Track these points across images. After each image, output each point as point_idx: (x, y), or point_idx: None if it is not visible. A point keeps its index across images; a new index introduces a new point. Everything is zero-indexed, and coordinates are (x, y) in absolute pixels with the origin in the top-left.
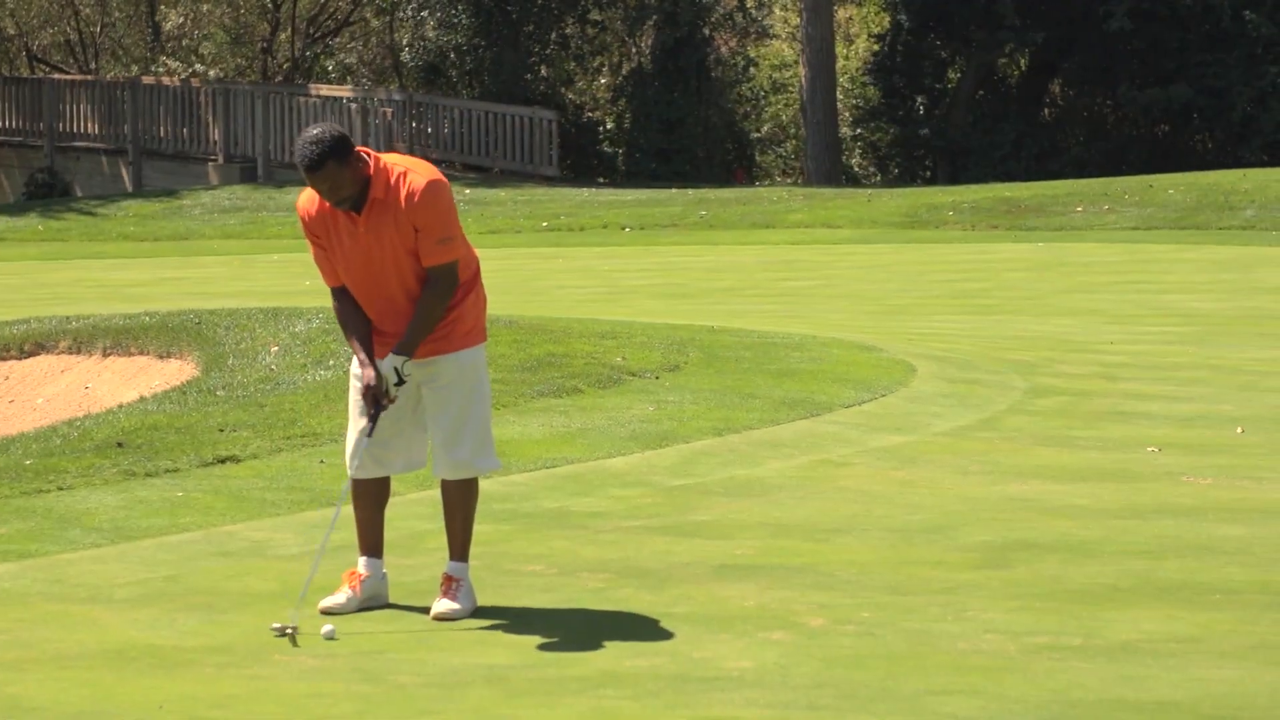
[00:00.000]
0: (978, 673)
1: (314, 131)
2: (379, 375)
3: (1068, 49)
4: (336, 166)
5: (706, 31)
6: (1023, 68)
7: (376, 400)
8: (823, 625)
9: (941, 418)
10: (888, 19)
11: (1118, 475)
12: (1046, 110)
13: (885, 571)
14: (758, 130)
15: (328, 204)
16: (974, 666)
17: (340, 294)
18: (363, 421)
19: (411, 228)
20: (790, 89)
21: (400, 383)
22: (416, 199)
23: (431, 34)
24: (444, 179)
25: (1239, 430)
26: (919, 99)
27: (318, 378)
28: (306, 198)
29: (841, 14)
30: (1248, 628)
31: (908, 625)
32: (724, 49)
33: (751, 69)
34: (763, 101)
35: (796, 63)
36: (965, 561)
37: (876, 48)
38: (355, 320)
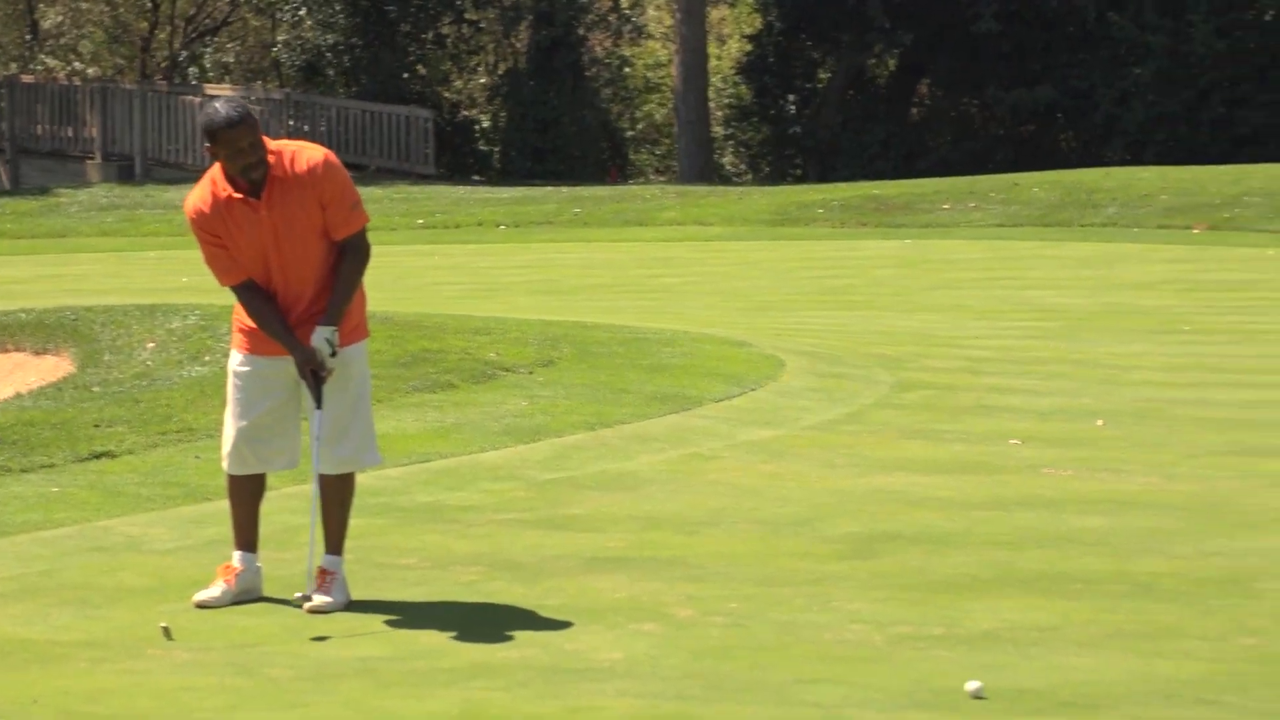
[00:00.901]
0: (843, 662)
1: (223, 101)
2: (313, 350)
3: (936, 50)
4: (255, 126)
5: (581, 32)
6: (891, 68)
7: (316, 375)
8: (692, 616)
9: (809, 412)
10: (759, 20)
11: (981, 468)
12: (915, 110)
13: (753, 563)
14: (632, 129)
15: (222, 195)
16: (839, 656)
17: (244, 289)
18: (243, 421)
19: (317, 204)
20: (664, 88)
21: (334, 353)
22: (320, 172)
23: (309, 33)
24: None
25: (1099, 423)
26: (790, 99)
27: (193, 374)
28: (197, 196)
29: (714, 15)
30: (1105, 616)
31: (775, 616)
32: (599, 49)
33: (626, 69)
34: (636, 101)
35: (670, 62)
36: (832, 553)
37: (748, 48)
38: (268, 308)
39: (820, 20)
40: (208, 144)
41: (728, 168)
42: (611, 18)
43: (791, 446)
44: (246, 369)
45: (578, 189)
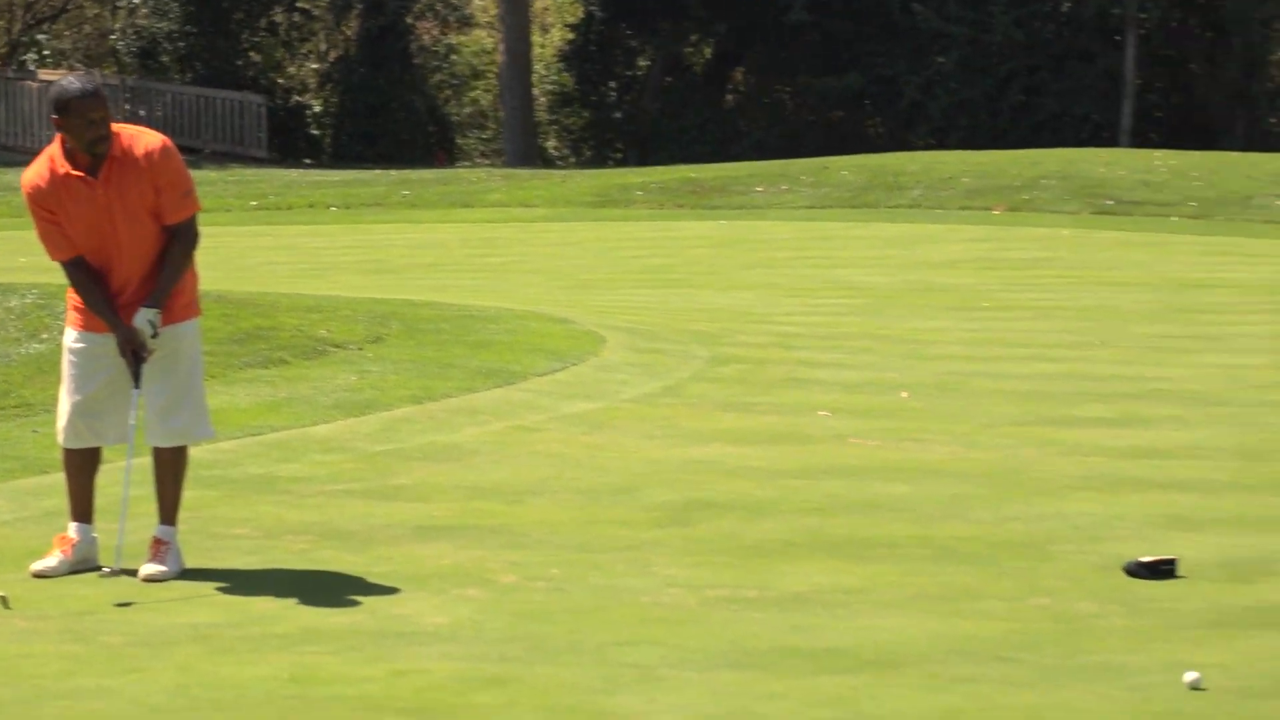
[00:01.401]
0: (660, 624)
1: (75, 75)
2: (134, 330)
3: (750, 39)
4: (105, 100)
5: (410, 20)
6: (708, 57)
7: (136, 354)
8: (515, 582)
9: (629, 385)
10: (581, 9)
11: (791, 438)
12: (730, 97)
13: (574, 530)
14: (459, 114)
15: (60, 172)
16: (656, 618)
17: (74, 265)
18: (77, 396)
19: (152, 188)
20: (489, 75)
21: (155, 334)
22: (156, 157)
23: (145, 21)
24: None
25: (903, 395)
26: (610, 85)
27: (31, 351)
28: (34, 172)
29: (538, 4)
30: (909, 579)
31: (595, 581)
32: (426, 37)
33: (453, 56)
34: (463, 87)
35: (495, 50)
36: (649, 520)
37: (571, 36)
38: (94, 286)
39: (639, 10)
40: (57, 116)
41: (551, 151)
42: (439, 6)
43: (611, 419)
44: (81, 345)
45: (406, 172)
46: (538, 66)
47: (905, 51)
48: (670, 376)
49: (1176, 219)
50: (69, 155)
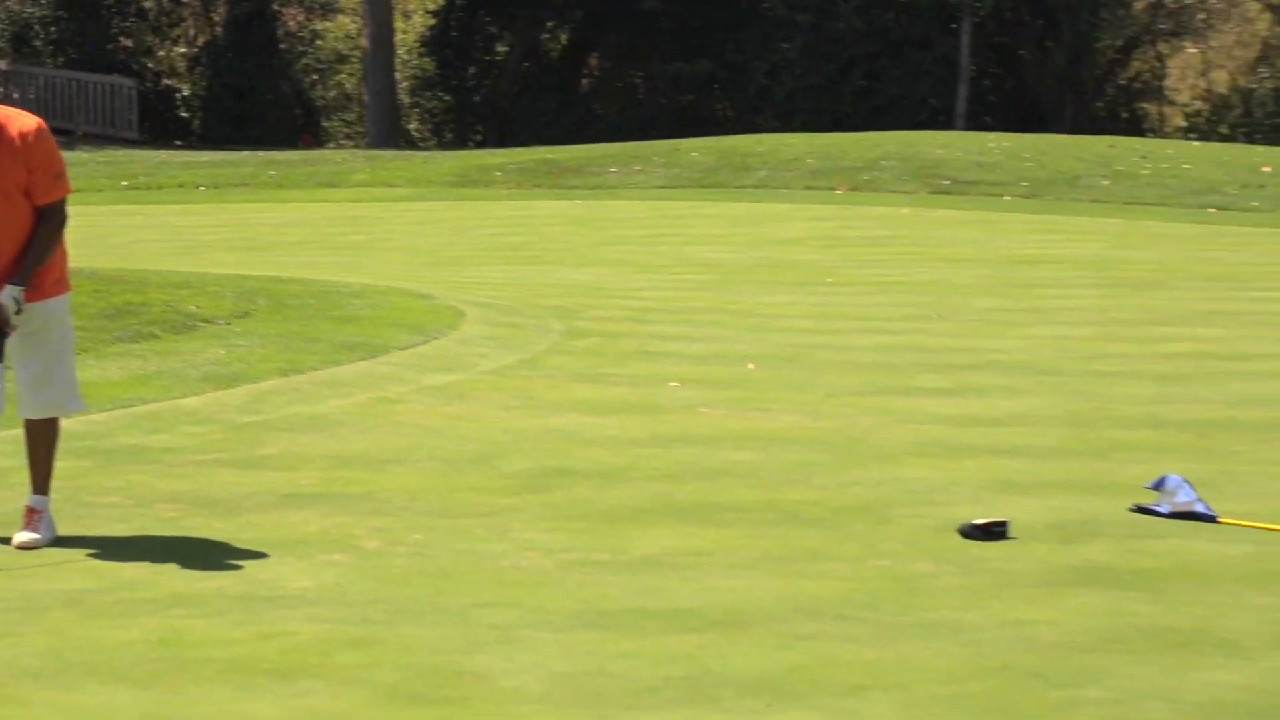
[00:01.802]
0: (518, 586)
1: None
2: (1, 306)
3: (604, 26)
4: None
5: (276, 6)
6: (564, 43)
7: (1, 330)
8: (378, 547)
9: (488, 358)
10: None
11: (643, 408)
12: (585, 81)
13: (436, 497)
14: (324, 98)
15: None
16: (515, 581)
17: None
18: None
19: (24, 169)
20: (353, 60)
21: (19, 311)
22: (31, 138)
23: (17, 6)
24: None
25: (750, 367)
26: (470, 70)
27: None
28: None
29: None
30: (755, 542)
31: (455, 545)
32: (292, 23)
33: (318, 41)
34: (328, 71)
35: (359, 36)
36: (508, 487)
37: (432, 22)
38: None
39: None
40: None
41: (413, 133)
42: None
43: (471, 390)
44: None
45: (273, 153)
46: (400, 52)
47: (753, 38)
48: (527, 349)
49: (1009, 198)
50: None
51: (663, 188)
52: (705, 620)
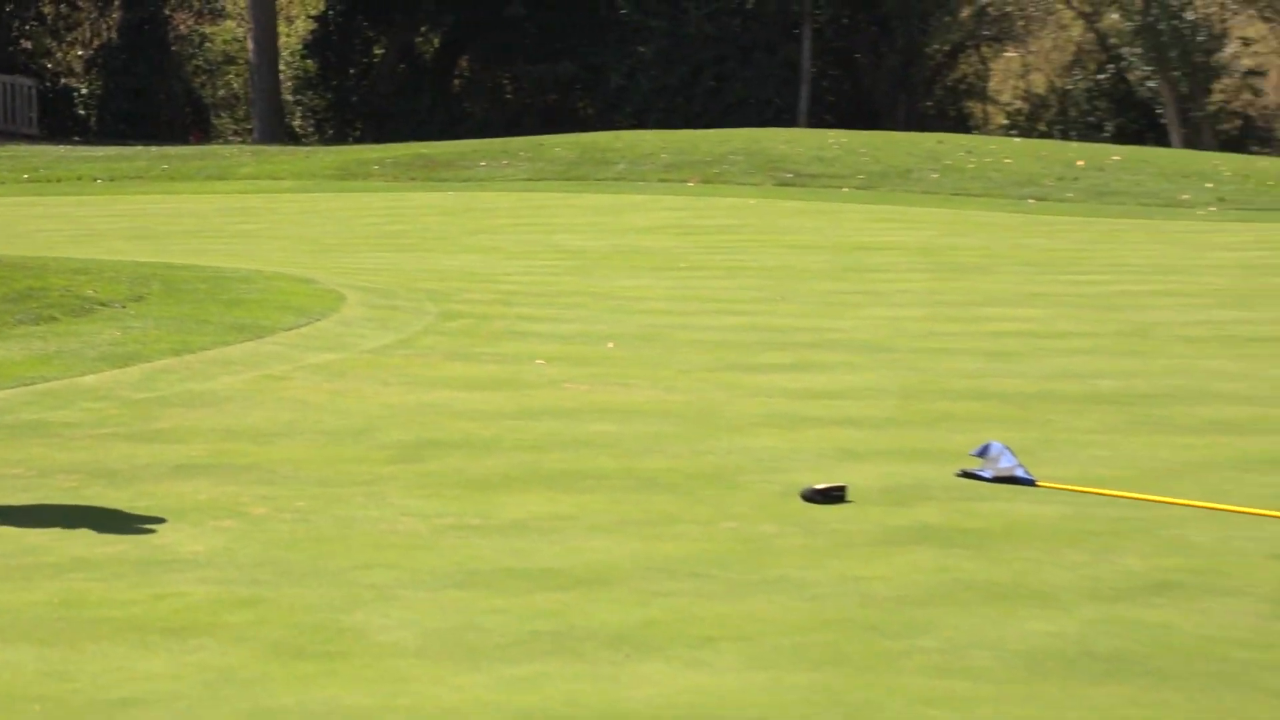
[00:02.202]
0: (395, 549)
1: None
2: None
3: (473, 31)
4: None
5: (167, 11)
6: (436, 46)
7: None
8: (265, 514)
9: (367, 338)
10: (323, 2)
11: (511, 384)
12: (456, 81)
13: (318, 467)
14: (213, 97)
15: None
16: (392, 544)
17: None
18: None
19: None
20: (240, 61)
21: None
22: None
23: None
24: None
25: (610, 345)
26: (350, 71)
27: None
28: None
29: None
30: (615, 506)
31: (337, 512)
32: (183, 27)
33: (206, 44)
34: (217, 72)
35: (245, 39)
36: (385, 457)
37: (314, 27)
38: None
39: (374, 3)
40: None
41: (297, 130)
42: (194, 0)
43: (351, 368)
44: None
45: (166, 148)
46: (284, 54)
47: (611, 42)
48: (404, 330)
49: (847, 190)
50: None
51: (528, 180)
52: (569, 579)
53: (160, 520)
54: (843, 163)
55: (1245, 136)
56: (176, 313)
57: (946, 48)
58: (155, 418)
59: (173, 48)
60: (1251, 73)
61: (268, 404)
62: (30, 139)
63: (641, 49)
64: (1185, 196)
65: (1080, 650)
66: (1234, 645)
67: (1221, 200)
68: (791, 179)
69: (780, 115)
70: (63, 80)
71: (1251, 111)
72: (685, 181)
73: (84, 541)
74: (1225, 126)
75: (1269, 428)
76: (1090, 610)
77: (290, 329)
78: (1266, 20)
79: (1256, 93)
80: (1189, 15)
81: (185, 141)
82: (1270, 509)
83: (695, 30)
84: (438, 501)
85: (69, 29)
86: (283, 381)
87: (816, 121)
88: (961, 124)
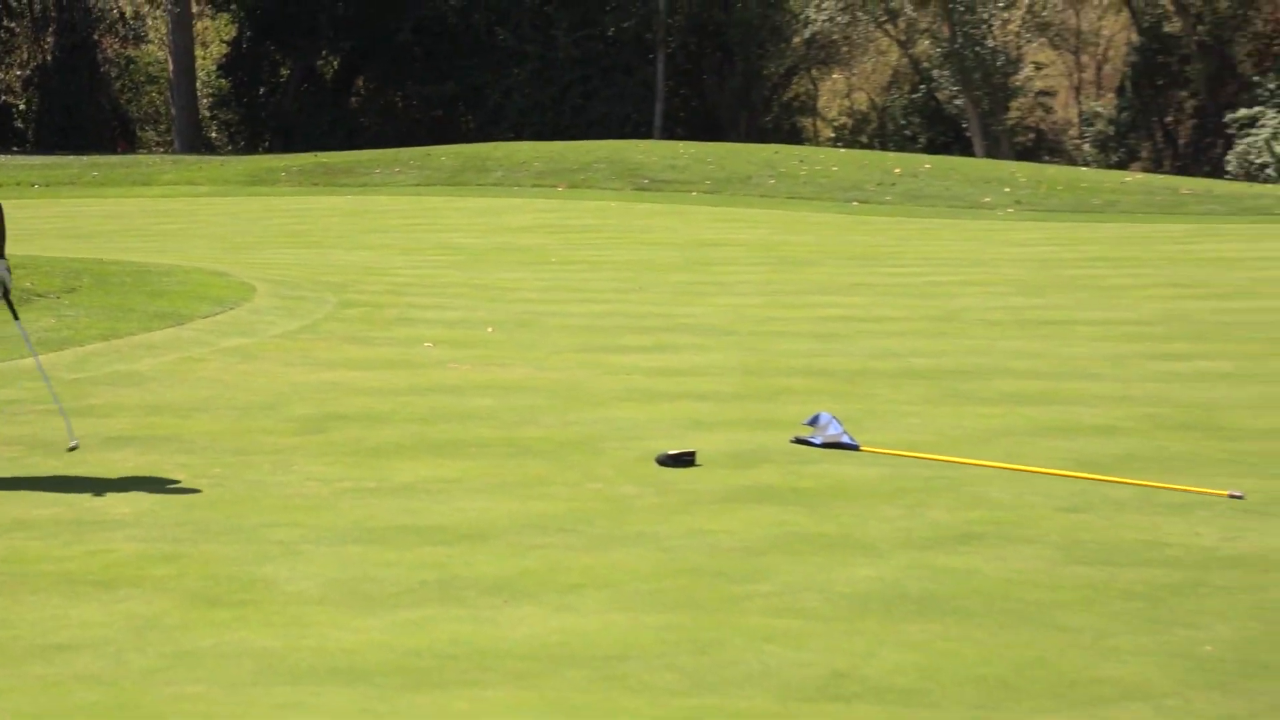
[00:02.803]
0: (300, 510)
1: None
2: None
3: (368, 55)
4: None
5: (96, 37)
6: (336, 67)
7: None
8: (185, 479)
9: (275, 325)
10: (235, 29)
11: (403, 364)
12: (354, 99)
13: (232, 438)
14: (137, 112)
15: None
16: (297, 506)
17: None
18: None
19: None
20: (162, 81)
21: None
22: None
23: None
24: None
25: (489, 330)
26: (260, 90)
27: None
28: None
29: (199, 25)
30: (494, 471)
31: (248, 477)
32: (110, 51)
33: (131, 66)
34: (141, 91)
35: (166, 61)
36: (291, 429)
37: (227, 50)
38: None
39: (281, 29)
40: None
41: (213, 141)
42: (119, 27)
43: (261, 351)
44: None
45: (95, 157)
46: (200, 74)
47: (490, 65)
48: (308, 317)
49: (695, 194)
50: None
51: (418, 186)
52: (453, 534)
53: (92, 486)
54: (692, 170)
55: (1038, 147)
56: (105, 303)
57: (781, 70)
58: (87, 395)
59: (101, 69)
60: (1043, 93)
61: (187, 383)
62: None
63: (516, 70)
64: (987, 200)
65: (896, 592)
66: (1028, 587)
67: (1018, 203)
68: (647, 184)
69: (638, 129)
70: (3, 98)
71: (1043, 126)
72: (555, 187)
73: (23, 504)
74: (1021, 139)
75: (1058, 399)
76: (905, 557)
77: (207, 316)
78: (1055, 48)
79: (1047, 110)
80: (989, 43)
81: (113, 151)
82: (1059, 469)
83: (563, 55)
84: (338, 468)
85: (8, 52)
86: (200, 363)
87: (669, 134)
88: (794, 136)
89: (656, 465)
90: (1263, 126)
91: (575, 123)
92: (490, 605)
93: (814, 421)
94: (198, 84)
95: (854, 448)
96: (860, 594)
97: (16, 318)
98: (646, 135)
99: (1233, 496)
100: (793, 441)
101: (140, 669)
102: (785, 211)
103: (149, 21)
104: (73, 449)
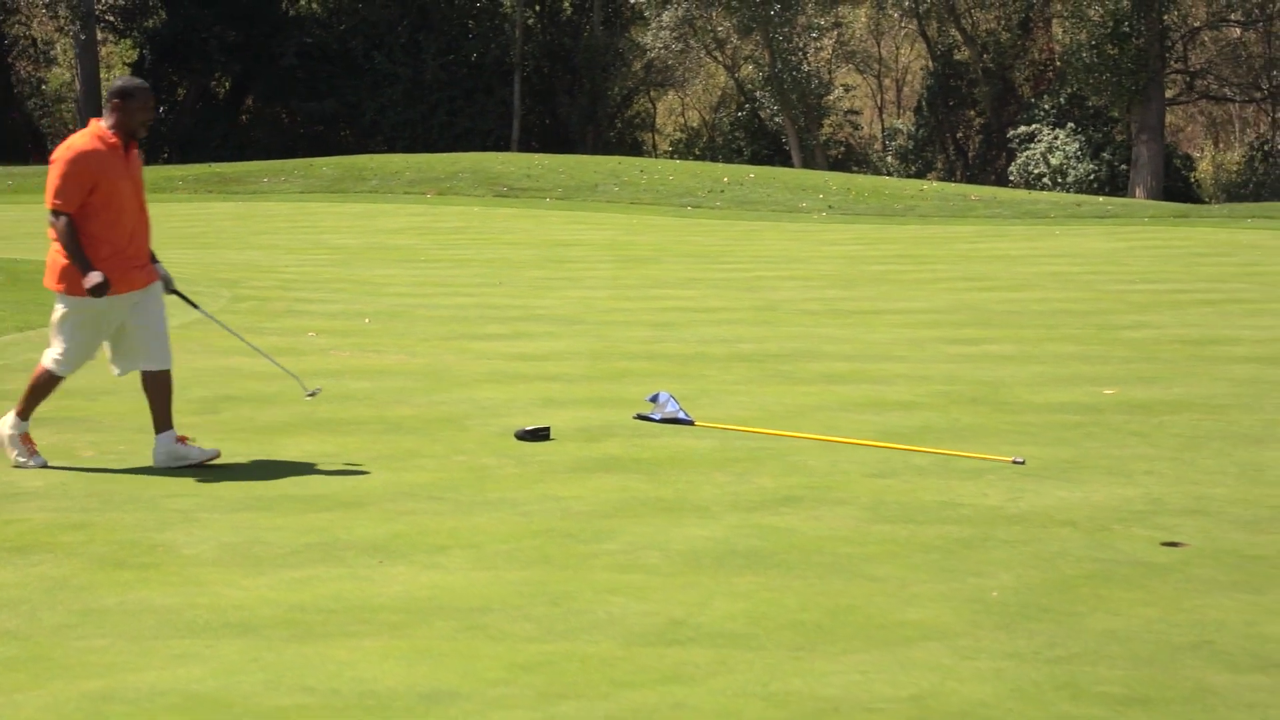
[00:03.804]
0: (197, 482)
1: (129, 76)
2: (167, 278)
3: (256, 76)
4: None
5: (10, 60)
6: (228, 87)
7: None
8: (93, 456)
9: (174, 316)
10: (135, 54)
11: (290, 351)
12: (244, 116)
13: (136, 418)
14: (49, 127)
15: (108, 143)
16: (195, 478)
17: (71, 216)
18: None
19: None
20: (69, 99)
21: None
22: (138, 150)
23: None
24: None
25: (366, 320)
26: (161, 108)
27: None
28: (85, 142)
29: (104, 49)
30: (370, 446)
31: (148, 452)
32: (23, 72)
33: (43, 86)
34: (51, 108)
35: (74, 81)
36: (190, 409)
37: (129, 73)
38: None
39: (177, 54)
40: (120, 101)
41: None
42: (31, 50)
43: None
44: (92, 306)
45: (11, 168)
46: (105, 93)
47: (366, 85)
48: (205, 310)
49: (549, 200)
50: (111, 133)
51: (302, 193)
52: (334, 502)
53: (8, 462)
54: (545, 179)
55: (847, 159)
56: (19, 297)
57: (624, 91)
58: (4, 381)
59: (15, 89)
60: (851, 112)
61: (95, 369)
62: None
63: (390, 90)
64: (804, 205)
65: (726, 549)
66: (840, 543)
67: (830, 207)
68: (506, 191)
69: (498, 142)
70: None
71: (852, 140)
72: (424, 194)
73: None
74: (833, 152)
75: (866, 379)
76: (734, 518)
77: None
78: (861, 73)
79: (855, 127)
80: (804, 68)
81: (26, 162)
82: (867, 440)
83: (431, 77)
84: (232, 443)
85: None
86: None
87: (525, 147)
88: (636, 149)
89: (515, 439)
90: (1039, 141)
91: (442, 137)
92: (367, 565)
93: (654, 399)
94: (103, 102)
95: (689, 423)
96: (695, 551)
97: (196, 305)
98: (505, 148)
99: (1015, 462)
100: (635, 418)
101: (52, 625)
102: (628, 215)
103: (58, 47)
104: (314, 394)
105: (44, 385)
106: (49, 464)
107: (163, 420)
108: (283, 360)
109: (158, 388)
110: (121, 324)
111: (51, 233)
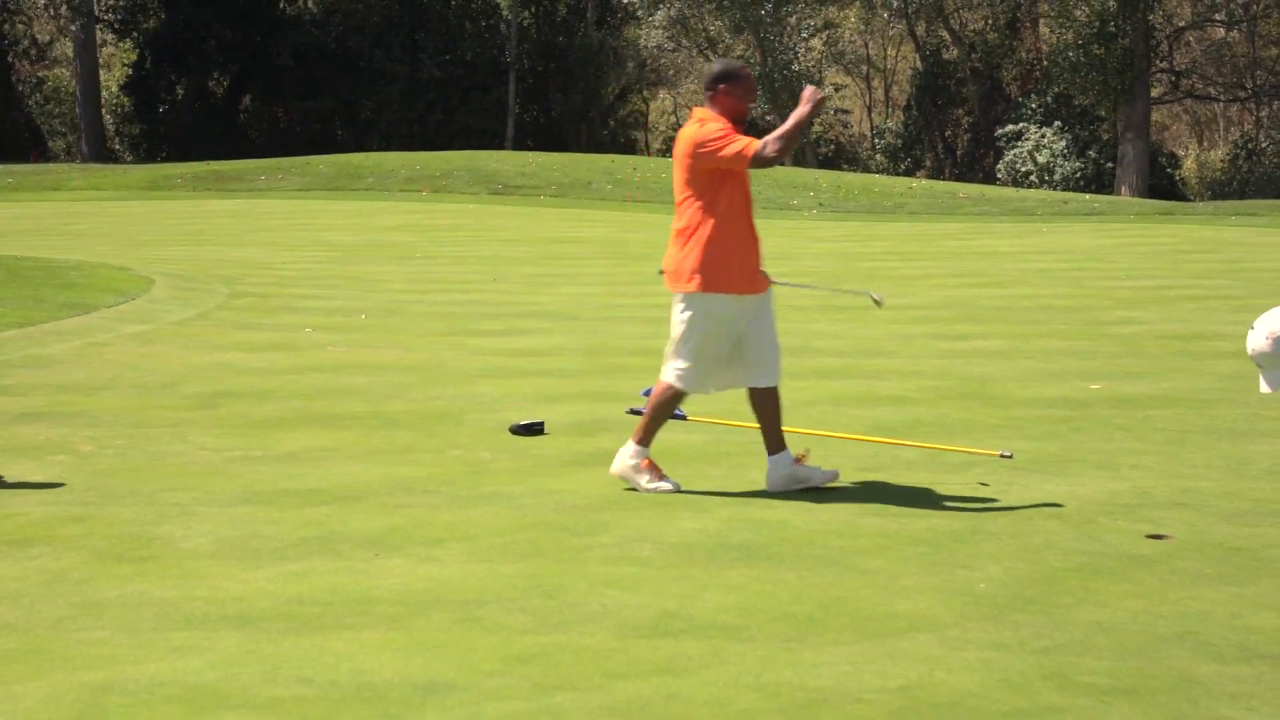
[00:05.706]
0: (195, 476)
1: (727, 60)
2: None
3: (253, 75)
4: None
5: (11, 60)
6: (225, 87)
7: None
8: (91, 450)
9: (172, 313)
10: (135, 54)
11: (287, 347)
12: (242, 115)
13: (133, 413)
14: (49, 125)
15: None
16: (192, 472)
17: (703, 209)
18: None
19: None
20: (70, 100)
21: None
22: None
23: None
24: None
25: (362, 317)
26: (159, 106)
27: None
28: (714, 119)
29: (105, 51)
30: (367, 440)
31: (148, 448)
32: (23, 72)
33: (45, 84)
34: (52, 107)
35: (74, 81)
36: (186, 405)
37: (129, 73)
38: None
39: (176, 54)
40: (727, 85)
41: (117, 151)
42: (32, 51)
43: (160, 336)
44: (727, 309)
45: (10, 166)
46: (105, 93)
47: (363, 83)
48: (202, 306)
49: (544, 197)
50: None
51: (299, 191)
52: (331, 496)
53: (5, 458)
54: (540, 176)
55: (837, 157)
56: (19, 294)
57: (616, 90)
58: (3, 376)
59: (17, 88)
60: (841, 110)
61: (93, 365)
62: None
63: (386, 89)
64: (795, 202)
65: (719, 542)
66: (832, 536)
67: (821, 205)
68: (501, 189)
69: (493, 140)
70: None
71: (842, 139)
72: (420, 191)
73: None
74: (823, 150)
75: (857, 374)
76: (726, 511)
77: (111, 306)
78: (849, 74)
79: (845, 125)
80: (795, 67)
81: (27, 160)
82: (858, 434)
83: (428, 76)
84: (228, 438)
85: None
86: (105, 347)
87: (520, 145)
88: (629, 148)
89: (510, 434)
90: (1027, 139)
91: (438, 135)
92: (363, 558)
93: (647, 394)
94: (103, 102)
95: (682, 417)
96: (687, 544)
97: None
98: (500, 146)
99: (1003, 456)
100: (629, 412)
101: (51, 618)
102: (621, 213)
103: (58, 47)
104: (878, 301)
105: (669, 404)
106: (680, 487)
107: (775, 441)
108: (279, 356)
109: (767, 406)
110: (740, 333)
111: (679, 228)
